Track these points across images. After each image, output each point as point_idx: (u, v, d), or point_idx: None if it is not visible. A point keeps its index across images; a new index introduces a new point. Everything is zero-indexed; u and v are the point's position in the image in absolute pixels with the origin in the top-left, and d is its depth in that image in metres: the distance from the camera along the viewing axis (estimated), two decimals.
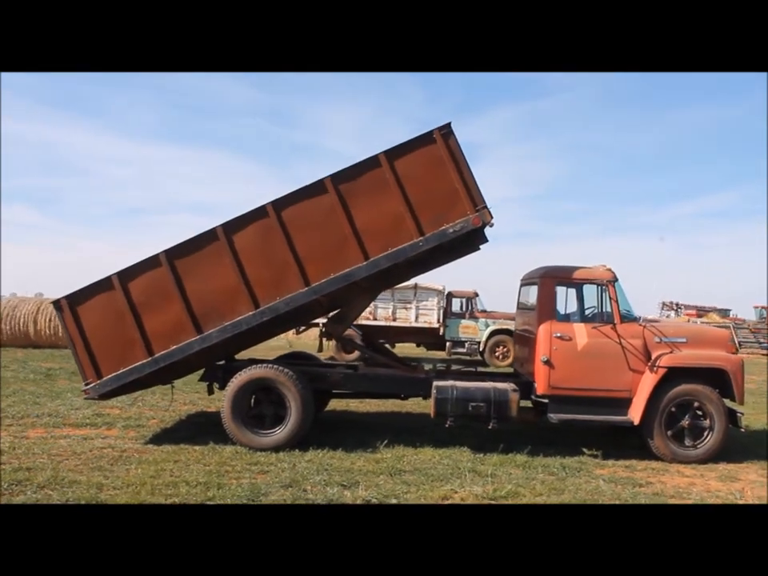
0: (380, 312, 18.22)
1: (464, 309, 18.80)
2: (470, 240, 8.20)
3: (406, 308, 18.22)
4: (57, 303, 7.74)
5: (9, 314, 18.62)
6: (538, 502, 5.88)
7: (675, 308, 39.26)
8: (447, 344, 18.53)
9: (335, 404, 10.59)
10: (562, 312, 8.06)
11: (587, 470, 7.07)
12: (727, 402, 7.63)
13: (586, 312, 7.84)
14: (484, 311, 18.82)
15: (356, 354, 17.90)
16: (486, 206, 7.17)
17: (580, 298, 7.97)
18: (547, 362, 7.60)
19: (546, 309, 7.80)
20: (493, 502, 5.84)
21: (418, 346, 19.81)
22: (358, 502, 5.74)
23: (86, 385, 7.61)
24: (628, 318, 7.82)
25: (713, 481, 6.83)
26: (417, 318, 18.15)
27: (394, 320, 18.21)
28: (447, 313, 18.65)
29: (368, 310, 18.11)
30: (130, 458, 7.07)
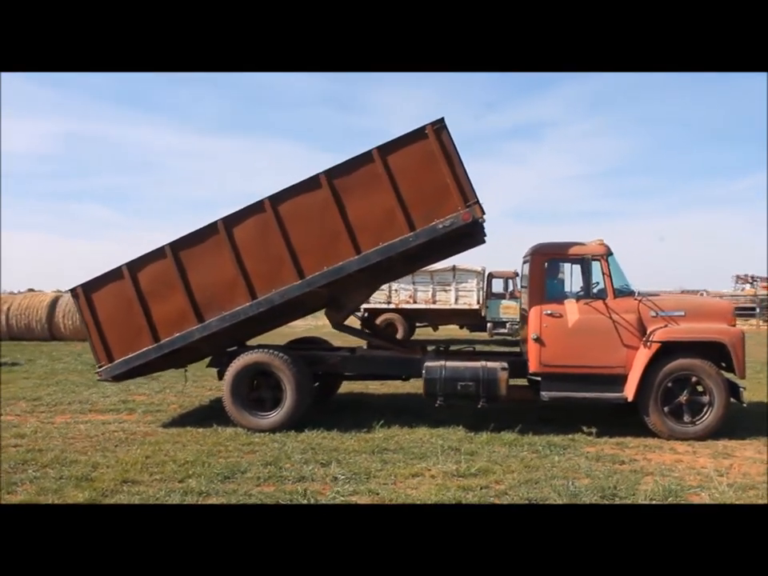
0: (420, 295, 18.31)
1: (505, 289, 18.64)
2: (472, 233, 8.19)
3: (445, 290, 18.23)
4: (73, 291, 8.29)
5: (71, 310, 19.79)
6: (509, 479, 5.90)
7: (751, 281, 37.44)
8: (488, 325, 18.45)
9: (354, 387, 10.83)
10: (565, 289, 7.98)
11: (575, 447, 7.01)
12: (732, 376, 7.38)
13: (579, 288, 7.70)
14: None
15: (398, 336, 18.11)
16: (477, 202, 7.15)
17: (573, 274, 7.84)
18: (537, 340, 7.54)
19: (536, 286, 7.73)
20: (462, 479, 5.90)
21: (461, 327, 19.78)
22: (327, 479, 5.93)
23: (99, 367, 8.15)
24: (623, 292, 7.65)
25: (704, 458, 6.64)
26: (456, 299, 18.14)
27: (434, 302, 18.26)
28: (488, 294, 18.55)
29: (408, 293, 18.29)
30: (136, 439, 7.53)
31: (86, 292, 8.22)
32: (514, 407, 8.77)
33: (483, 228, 8.40)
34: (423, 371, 7.61)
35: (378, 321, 18.44)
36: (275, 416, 7.80)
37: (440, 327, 20.22)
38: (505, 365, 7.54)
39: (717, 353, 7.35)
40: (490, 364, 7.56)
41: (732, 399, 7.34)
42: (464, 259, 17.82)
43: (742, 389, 7.32)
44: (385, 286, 18.31)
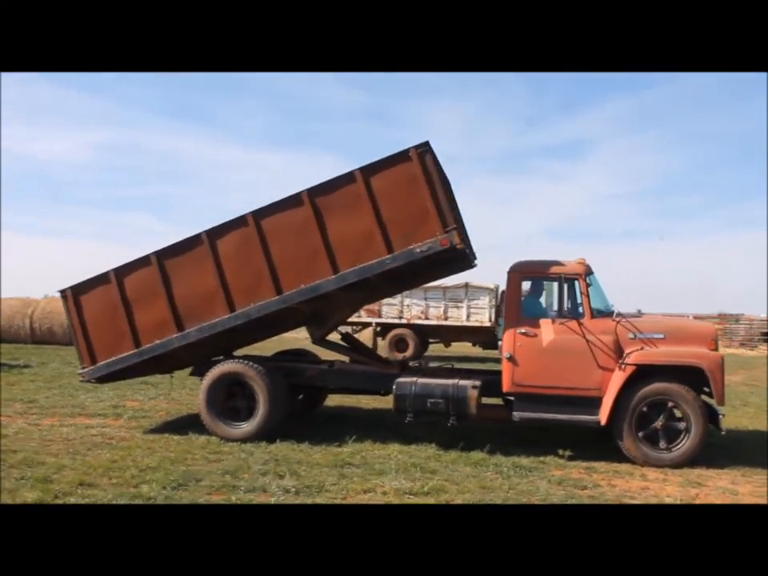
0: (432, 311, 18.24)
1: None
2: (456, 258, 8.15)
3: (457, 307, 18.12)
4: (63, 292, 8.52)
5: None
6: (460, 499, 5.80)
7: None
8: (499, 343, 18.20)
9: (346, 400, 10.83)
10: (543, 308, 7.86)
11: (542, 470, 6.86)
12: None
13: (555, 307, 7.56)
14: None
15: (408, 351, 18.10)
16: (456, 228, 7.14)
17: (549, 293, 7.72)
18: (511, 359, 7.43)
19: (511, 304, 7.64)
20: (412, 498, 5.83)
21: (473, 345, 19.61)
22: (278, 491, 5.91)
23: (82, 368, 8.33)
24: (601, 312, 7.49)
25: (672, 486, 6.42)
26: (468, 316, 18.00)
27: (446, 319, 18.15)
28: (499, 311, 18.33)
29: (419, 309, 18.23)
30: (110, 444, 7.64)
31: (75, 294, 8.44)
32: (496, 427, 8.64)
33: (468, 254, 8.36)
34: (394, 387, 7.56)
35: (389, 336, 18.45)
36: (247, 426, 7.83)
37: (453, 344, 20.08)
38: (476, 383, 7.43)
39: (697, 378, 7.13)
40: (461, 382, 7.47)
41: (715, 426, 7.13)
42: (477, 276, 17.72)
43: (720, 415, 7.09)
44: (397, 301, 18.33)
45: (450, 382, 7.50)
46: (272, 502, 5.55)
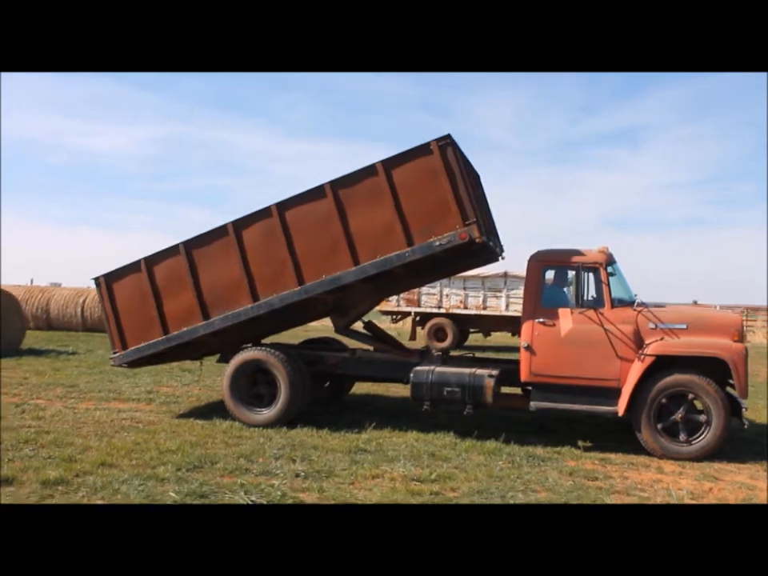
0: (470, 301, 18.14)
1: None
2: (477, 251, 8.13)
3: (496, 296, 17.97)
4: (97, 280, 8.84)
5: None
6: (465, 486, 5.82)
7: None
8: None
9: (375, 388, 10.95)
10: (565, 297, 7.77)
11: (556, 460, 6.81)
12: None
13: (576, 296, 7.43)
14: None
15: (447, 341, 18.10)
16: (475, 221, 7.10)
17: (570, 282, 7.60)
18: (528, 348, 7.38)
19: (530, 293, 7.56)
20: (418, 483, 5.88)
21: (512, 335, 19.42)
22: (288, 475, 6.05)
23: (114, 353, 8.66)
24: (623, 302, 7.36)
25: (687, 479, 6.28)
26: (507, 306, 17.83)
27: (485, 309, 18.03)
28: None
29: (458, 298, 18.18)
30: (137, 427, 7.92)
31: (108, 282, 8.76)
32: (518, 416, 8.62)
33: (492, 247, 8.31)
34: (411, 375, 7.60)
35: (428, 325, 18.44)
36: (269, 412, 8.00)
37: (493, 334, 19.95)
38: (493, 372, 7.40)
39: (721, 370, 6.94)
40: (478, 371, 7.45)
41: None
42: (516, 266, 17.50)
43: (743, 408, 6.88)
44: (436, 291, 18.30)
45: (466, 370, 7.50)
46: (275, 485, 5.66)
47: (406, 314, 19.20)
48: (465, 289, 18.10)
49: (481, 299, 18.03)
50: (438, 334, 18.44)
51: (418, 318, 18.92)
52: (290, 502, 5.35)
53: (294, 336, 10.54)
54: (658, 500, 5.64)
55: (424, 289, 18.19)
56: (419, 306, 18.50)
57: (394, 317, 19.85)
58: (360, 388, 10.74)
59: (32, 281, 27.39)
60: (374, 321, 9.57)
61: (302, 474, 6.08)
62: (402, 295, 18.41)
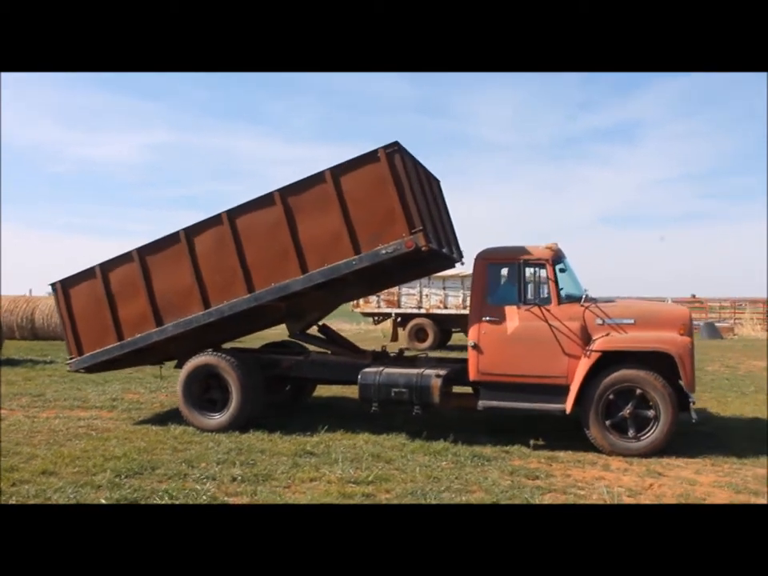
0: (450, 300, 18.11)
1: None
2: (431, 258, 8.11)
3: None
4: (53, 285, 8.85)
5: None
6: (400, 488, 5.77)
7: None
8: None
9: (344, 390, 10.88)
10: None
11: (502, 459, 6.75)
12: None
13: (520, 293, 7.37)
14: None
15: (428, 341, 18.09)
16: (422, 229, 7.07)
17: (518, 279, 7.52)
18: (475, 347, 7.33)
19: (476, 291, 7.54)
20: (354, 486, 5.83)
21: None
22: (226, 480, 6.02)
23: (70, 359, 8.67)
24: (572, 298, 7.31)
25: (630, 476, 6.22)
26: None
27: (465, 308, 17.94)
28: None
29: (438, 298, 18.14)
30: (92, 435, 7.90)
31: (64, 287, 8.77)
32: (477, 416, 8.54)
33: (446, 253, 8.30)
34: (359, 377, 7.56)
35: (408, 326, 18.42)
36: (221, 417, 7.98)
37: None
38: (441, 372, 7.35)
39: (669, 364, 6.88)
40: (426, 371, 7.40)
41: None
42: None
43: (691, 402, 6.82)
44: (416, 291, 18.27)
45: (414, 371, 7.45)
46: (201, 490, 5.62)
47: (386, 315, 19.16)
48: (444, 288, 18.07)
49: (461, 299, 17.98)
50: (419, 334, 18.44)
51: (399, 319, 18.89)
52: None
53: (266, 338, 10.49)
54: (594, 497, 5.59)
55: (404, 289, 18.18)
56: (399, 306, 18.47)
57: (376, 318, 19.82)
58: (327, 391, 10.70)
59: (30, 291, 27.39)
60: (358, 323, 9.55)
61: (239, 477, 6.05)
62: (381, 296, 18.40)
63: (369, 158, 7.30)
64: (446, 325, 18.56)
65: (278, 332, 10.59)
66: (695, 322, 28.88)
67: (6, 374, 12.99)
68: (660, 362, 6.89)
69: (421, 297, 18.25)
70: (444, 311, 18.07)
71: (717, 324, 26.01)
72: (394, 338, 18.74)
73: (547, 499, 5.54)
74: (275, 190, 7.67)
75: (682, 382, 6.81)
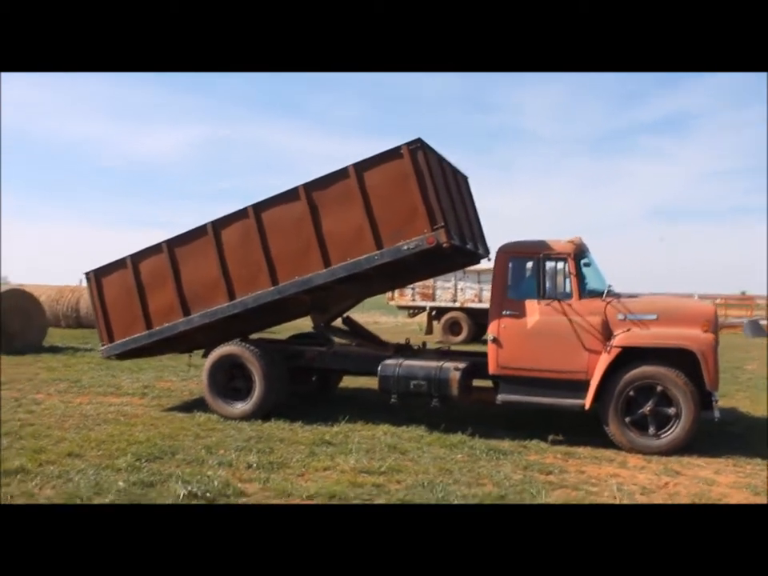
0: (485, 294, 17.89)
1: None
2: (454, 254, 8.11)
3: None
4: (87, 274, 9.15)
5: None
6: (411, 479, 5.80)
7: None
8: None
9: (371, 382, 10.93)
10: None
11: (518, 453, 6.71)
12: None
13: (540, 288, 7.28)
14: None
15: (462, 335, 18.06)
16: (444, 226, 7.08)
17: (538, 274, 7.43)
18: (495, 341, 7.29)
19: (497, 285, 7.48)
20: (365, 475, 5.89)
21: None
22: (241, 466, 6.14)
23: (102, 346, 8.99)
24: (594, 293, 7.21)
25: (647, 474, 6.11)
26: None
27: None
28: None
29: (473, 292, 18.06)
30: (120, 420, 8.13)
31: (97, 277, 9.04)
32: (498, 410, 8.48)
33: (469, 250, 8.27)
34: (379, 368, 7.60)
35: (443, 319, 18.39)
36: (245, 405, 8.13)
37: None
38: (460, 365, 7.34)
39: (691, 361, 6.72)
40: (445, 364, 7.40)
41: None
42: None
43: (714, 400, 6.66)
44: (450, 285, 18.22)
45: (433, 364, 7.46)
46: (213, 475, 5.74)
47: (421, 309, 19.16)
48: (479, 282, 17.95)
49: None
50: (454, 327, 18.41)
51: (434, 313, 18.87)
52: (229, 492, 5.43)
53: (299, 329, 10.60)
54: (605, 495, 5.52)
55: (439, 283, 18.16)
56: (434, 300, 18.45)
57: (411, 311, 19.84)
58: (354, 383, 10.77)
59: (81, 281, 28.14)
60: (395, 315, 9.57)
61: (255, 464, 6.17)
62: (416, 290, 18.40)
63: (392, 154, 7.34)
64: (481, 319, 18.33)
65: (309, 323, 10.70)
66: (737, 320, 28.07)
67: (48, 361, 13.47)
68: (682, 359, 6.75)
69: (456, 290, 18.20)
70: (478, 305, 17.94)
71: (761, 322, 25.11)
72: (429, 331, 18.74)
73: (557, 495, 5.49)
74: (300, 185, 7.76)
75: (704, 380, 6.66)
